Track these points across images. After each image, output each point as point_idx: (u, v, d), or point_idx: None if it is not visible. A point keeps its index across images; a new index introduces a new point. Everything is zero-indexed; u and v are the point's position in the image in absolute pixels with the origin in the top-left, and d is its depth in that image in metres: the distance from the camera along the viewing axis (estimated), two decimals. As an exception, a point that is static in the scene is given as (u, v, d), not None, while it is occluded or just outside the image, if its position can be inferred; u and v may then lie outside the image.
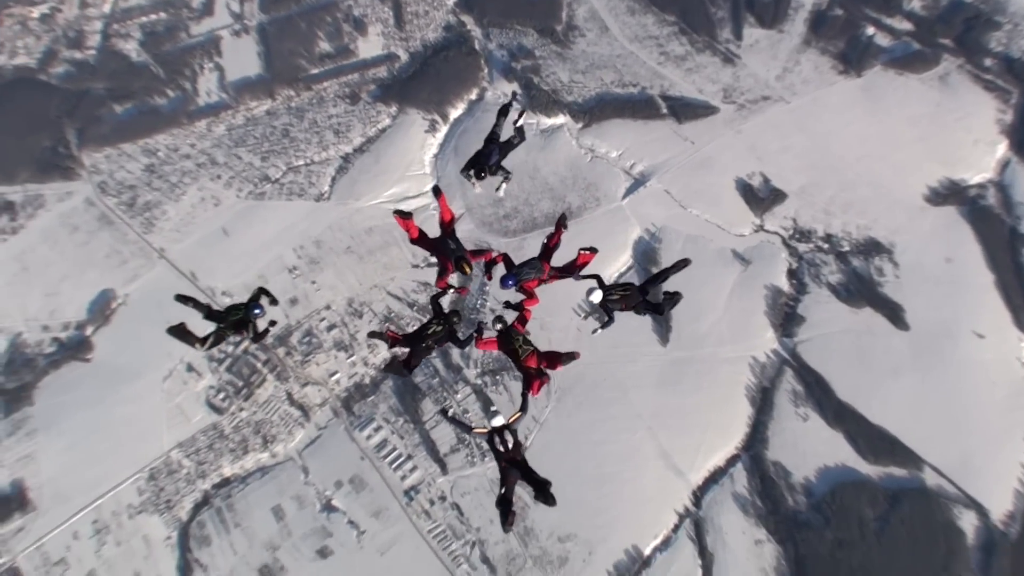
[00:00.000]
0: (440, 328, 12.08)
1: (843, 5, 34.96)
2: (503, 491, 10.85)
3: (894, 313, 31.31)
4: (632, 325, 30.92)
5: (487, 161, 12.51)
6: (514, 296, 13.49)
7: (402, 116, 35.56)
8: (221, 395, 31.37)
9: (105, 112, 35.56)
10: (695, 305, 31.60)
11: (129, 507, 30.21)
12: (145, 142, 35.03)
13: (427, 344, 11.88)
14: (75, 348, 32.10)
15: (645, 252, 32.90)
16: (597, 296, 12.24)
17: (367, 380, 31.33)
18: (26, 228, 33.99)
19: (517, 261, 13.17)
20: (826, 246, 32.68)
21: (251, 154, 34.88)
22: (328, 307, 32.34)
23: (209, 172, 34.56)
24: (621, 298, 12.47)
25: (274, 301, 13.58)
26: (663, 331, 31.65)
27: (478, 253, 13.04)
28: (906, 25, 34.89)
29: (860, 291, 31.79)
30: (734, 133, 34.16)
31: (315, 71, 36.38)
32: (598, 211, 33.66)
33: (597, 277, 12.64)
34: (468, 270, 11.88)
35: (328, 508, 30.06)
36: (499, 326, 12.36)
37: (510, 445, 11.20)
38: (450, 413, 12.87)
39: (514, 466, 11.07)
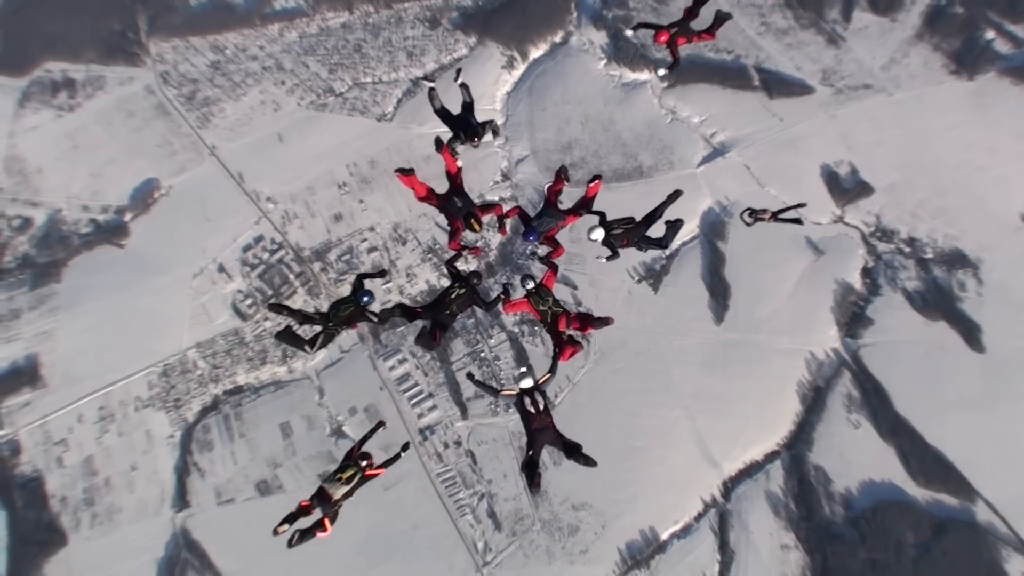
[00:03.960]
0: (462, 291, 11.37)
1: (965, 3, 32.37)
2: (530, 454, 10.40)
3: (970, 332, 28.94)
4: (687, 296, 29.26)
5: (470, 124, 12.29)
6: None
7: (480, 48, 34.11)
8: (248, 301, 30.40)
9: (179, 2, 34.88)
10: (757, 287, 29.68)
11: (137, 399, 29.51)
12: (215, 38, 34.27)
13: (450, 311, 11.32)
14: (111, 232, 31.50)
15: (713, 225, 30.93)
16: (598, 234, 11.98)
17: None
18: (83, 107, 33.61)
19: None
20: (908, 250, 30.37)
21: (319, 64, 33.78)
22: (372, 229, 31.09)
23: (274, 76, 33.58)
24: (624, 232, 12.00)
25: (382, 273, 13.05)
26: (719, 309, 29.65)
27: (488, 207, 12.58)
28: (1030, 35, 32.43)
29: (937, 303, 29.46)
30: (827, 117, 31.93)
31: (399, -10, 34.91)
32: (670, 174, 31.74)
33: (602, 214, 12.23)
34: (478, 227, 11.38)
35: (338, 433, 28.88)
36: (529, 284, 11.45)
37: (540, 407, 10.61)
38: (476, 376, 12.31)
39: (542, 430, 10.52)
